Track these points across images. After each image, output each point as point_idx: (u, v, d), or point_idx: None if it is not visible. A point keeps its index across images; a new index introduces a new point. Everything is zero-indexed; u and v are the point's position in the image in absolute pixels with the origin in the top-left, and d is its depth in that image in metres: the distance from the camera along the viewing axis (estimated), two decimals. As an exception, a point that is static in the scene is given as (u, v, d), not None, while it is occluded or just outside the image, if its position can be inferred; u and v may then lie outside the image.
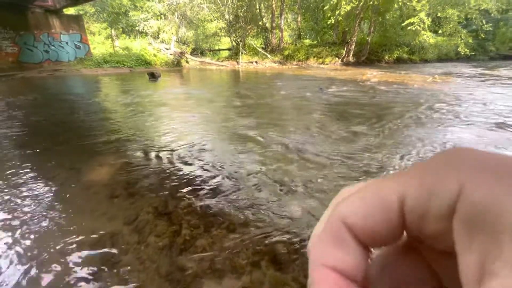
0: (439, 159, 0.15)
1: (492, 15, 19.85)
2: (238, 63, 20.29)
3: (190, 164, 3.06)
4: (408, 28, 18.41)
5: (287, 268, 1.62)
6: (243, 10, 20.54)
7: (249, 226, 1.99)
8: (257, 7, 21.49)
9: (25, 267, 1.65)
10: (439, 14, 18.73)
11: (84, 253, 1.75)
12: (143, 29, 21.42)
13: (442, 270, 0.17)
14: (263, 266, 1.63)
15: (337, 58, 21.00)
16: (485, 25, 18.97)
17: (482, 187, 0.12)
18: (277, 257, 1.69)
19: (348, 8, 17.48)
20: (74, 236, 1.89)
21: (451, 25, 19.21)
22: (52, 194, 2.46)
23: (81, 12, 20.00)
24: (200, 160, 3.18)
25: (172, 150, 3.47)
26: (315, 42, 23.36)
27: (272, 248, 1.77)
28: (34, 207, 2.25)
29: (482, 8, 18.40)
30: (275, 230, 1.95)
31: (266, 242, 1.83)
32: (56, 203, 2.31)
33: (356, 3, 17.60)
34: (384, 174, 2.81)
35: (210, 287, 1.50)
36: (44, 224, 2.04)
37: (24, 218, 2.11)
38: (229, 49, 23.26)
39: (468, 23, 21.92)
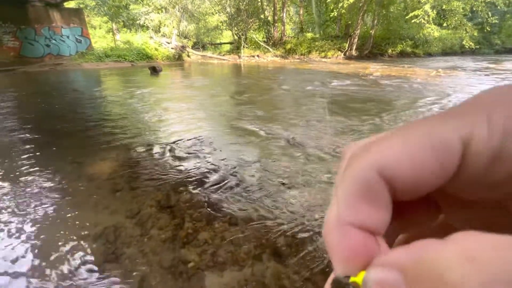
0: (507, 91, 0.12)
1: (498, 7, 19.46)
2: (239, 57, 20.16)
3: (192, 158, 3.06)
4: (413, 21, 18.14)
5: (289, 261, 1.63)
6: (244, 3, 20.30)
7: (250, 219, 2.00)
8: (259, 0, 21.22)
9: (30, 259, 1.67)
10: (444, 7, 18.38)
11: (88, 246, 1.77)
12: (144, 23, 21.27)
13: (453, 213, 0.15)
14: (264, 259, 1.64)
15: (339, 52, 20.78)
16: (491, 18, 18.60)
17: None
18: (279, 250, 1.70)
19: (352, 0, 17.22)
20: (78, 229, 1.91)
21: (456, 18, 18.84)
22: (55, 188, 2.48)
23: (81, 6, 19.83)
24: (202, 154, 3.18)
25: (174, 144, 3.48)
26: (317, 36, 23.10)
27: (273, 241, 1.78)
28: (36, 201, 2.27)
29: (488, 0, 18.04)
30: (277, 223, 1.96)
31: (268, 235, 1.84)
32: (59, 197, 2.33)
33: (360, -4, 17.34)
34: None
35: (212, 280, 1.52)
36: (47, 217, 2.06)
37: (27, 212, 2.13)
38: (230, 43, 23.09)
39: (474, 15, 21.56)
